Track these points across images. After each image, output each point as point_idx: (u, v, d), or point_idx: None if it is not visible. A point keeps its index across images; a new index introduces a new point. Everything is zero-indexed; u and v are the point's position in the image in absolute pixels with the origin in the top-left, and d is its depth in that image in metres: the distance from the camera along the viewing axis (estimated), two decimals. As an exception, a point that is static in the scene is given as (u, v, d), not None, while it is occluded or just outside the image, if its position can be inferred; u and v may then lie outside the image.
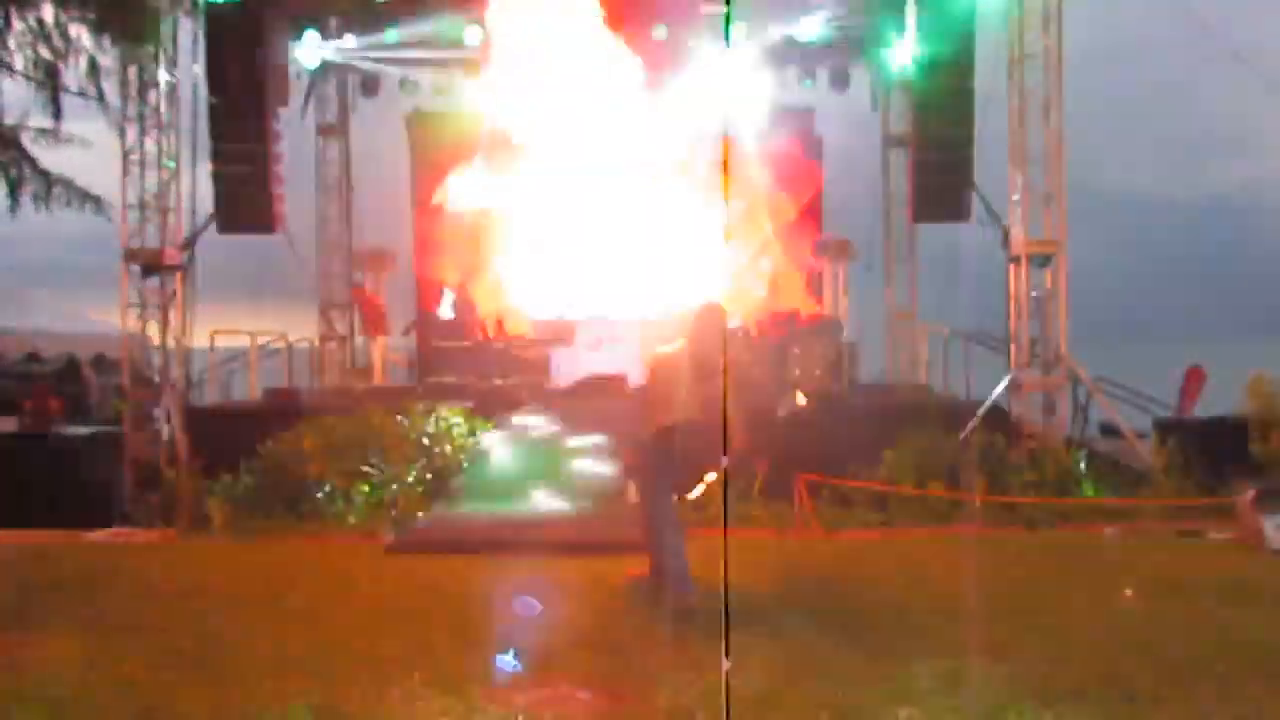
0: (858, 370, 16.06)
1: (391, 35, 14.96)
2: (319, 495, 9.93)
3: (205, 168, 12.63)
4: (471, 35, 14.84)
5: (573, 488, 9.93)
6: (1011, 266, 12.21)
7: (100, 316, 15.10)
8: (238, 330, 14.16)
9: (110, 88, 8.26)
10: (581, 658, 5.68)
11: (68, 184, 8.00)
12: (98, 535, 9.88)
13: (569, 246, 17.49)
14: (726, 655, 3.39)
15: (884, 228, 16.78)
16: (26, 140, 7.82)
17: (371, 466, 10.13)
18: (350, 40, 15.34)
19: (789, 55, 15.86)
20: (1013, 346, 12.18)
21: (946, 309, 14.59)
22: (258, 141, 12.80)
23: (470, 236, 17.75)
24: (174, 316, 12.33)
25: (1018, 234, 12.07)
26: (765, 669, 5.48)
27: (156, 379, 12.16)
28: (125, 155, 12.03)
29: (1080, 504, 9.96)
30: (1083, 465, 10.74)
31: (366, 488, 9.94)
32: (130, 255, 12.17)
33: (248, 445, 10.55)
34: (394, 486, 9.97)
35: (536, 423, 11.89)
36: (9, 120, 7.77)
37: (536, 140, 17.25)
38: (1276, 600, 6.89)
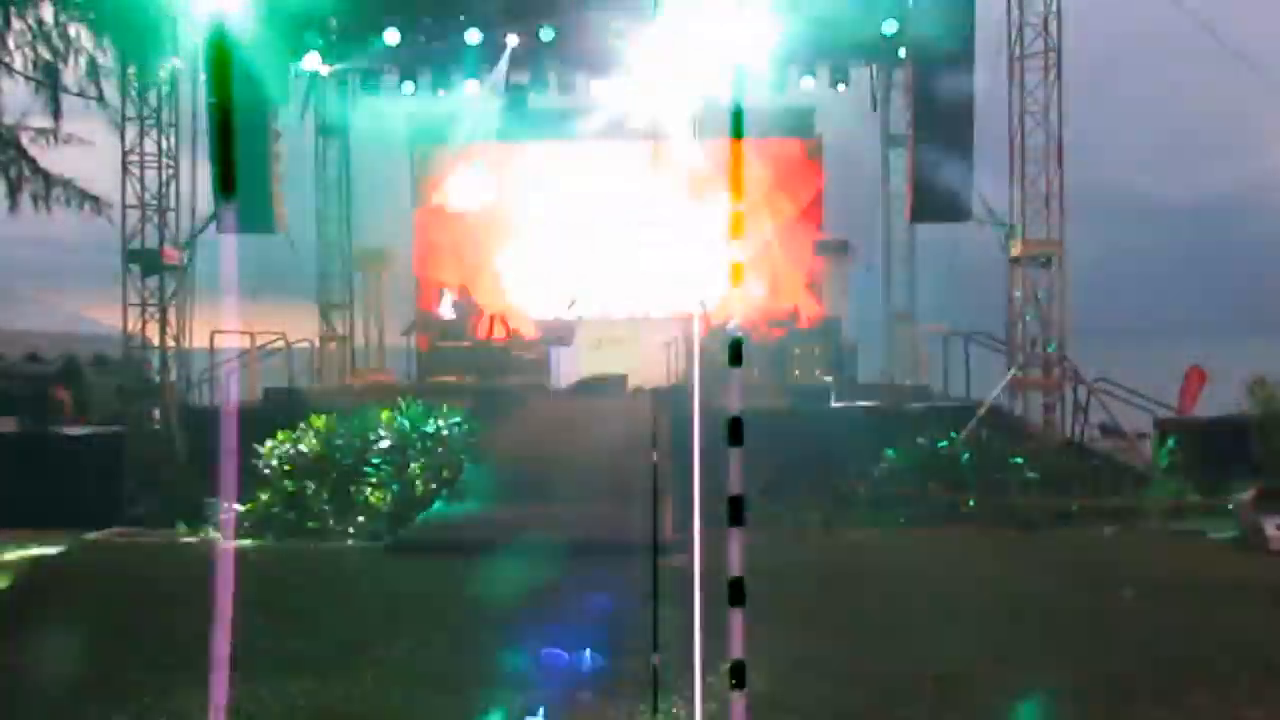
0: (857, 370, 16.04)
1: (391, 36, 14.92)
2: (319, 495, 9.91)
3: (205, 168, 12.63)
4: (472, 35, 14.82)
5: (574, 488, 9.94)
6: (1011, 266, 12.20)
7: (100, 316, 15.09)
8: (238, 330, 14.14)
9: (110, 88, 8.25)
10: (581, 657, 5.68)
11: (67, 184, 8.00)
12: (98, 535, 9.88)
13: (570, 248, 17.54)
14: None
15: (884, 228, 16.77)
16: (26, 140, 7.82)
17: (371, 466, 10.12)
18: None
19: (789, 54, 15.84)
20: (1012, 346, 12.17)
21: (946, 309, 14.57)
22: (258, 141, 12.78)
23: (470, 236, 17.80)
24: (174, 316, 12.32)
25: (1018, 234, 12.07)
26: (767, 669, 5.48)
27: (156, 379, 12.15)
28: (125, 155, 12.03)
29: (1080, 504, 9.96)
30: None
31: (366, 488, 9.93)
32: (130, 255, 12.16)
33: (247, 445, 10.54)
34: (394, 486, 9.96)
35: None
36: (9, 120, 7.77)
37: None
38: (1276, 600, 6.89)
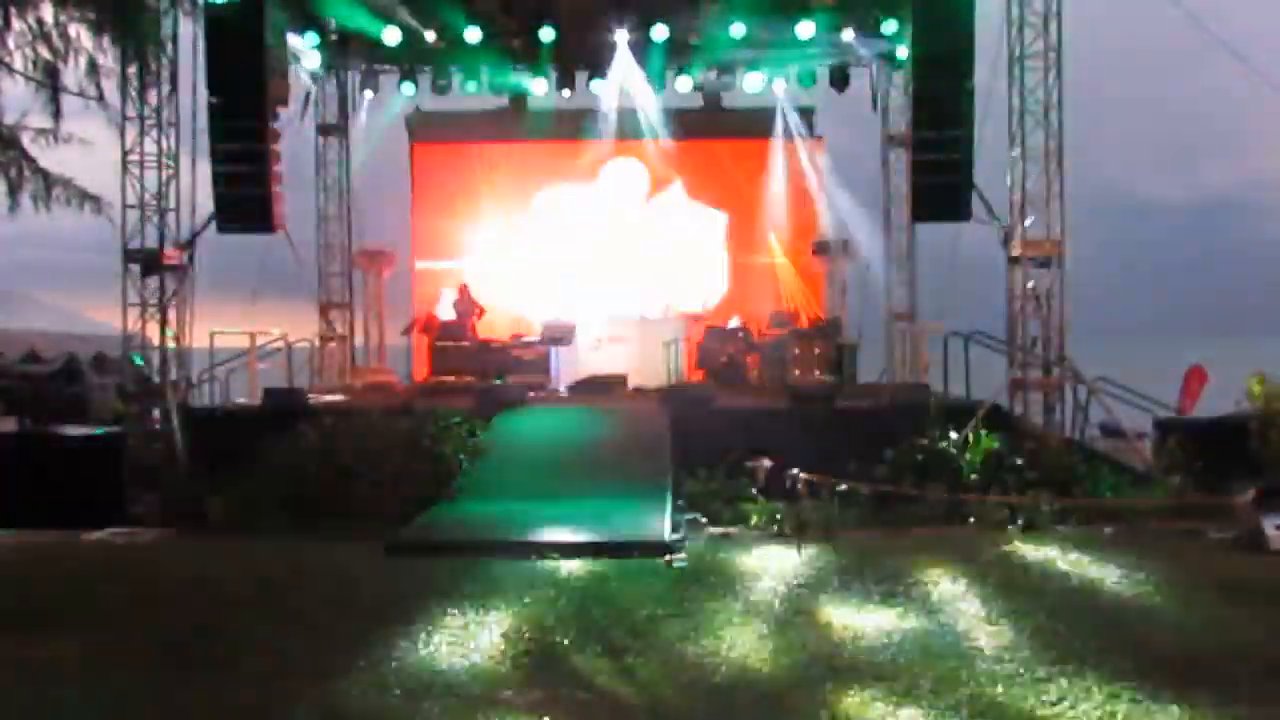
0: (858, 370, 16.04)
1: (391, 35, 14.93)
2: (319, 495, 9.91)
3: (205, 168, 12.62)
4: (472, 34, 14.83)
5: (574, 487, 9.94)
6: (1011, 266, 12.20)
7: (100, 316, 15.09)
8: (238, 330, 14.14)
9: (110, 88, 8.24)
10: (583, 657, 5.68)
11: (67, 184, 7.99)
12: (98, 535, 9.88)
13: (570, 248, 17.55)
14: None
15: (884, 228, 16.78)
16: (26, 140, 7.81)
17: (371, 466, 10.11)
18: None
19: (789, 55, 15.85)
20: (1012, 346, 12.17)
21: (946, 309, 14.56)
22: (258, 141, 12.78)
23: (470, 236, 17.82)
24: (174, 316, 12.32)
25: (1017, 234, 12.07)
26: (767, 669, 5.49)
27: (156, 379, 12.14)
28: (125, 155, 12.02)
29: (1080, 504, 9.96)
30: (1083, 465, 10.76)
31: (366, 488, 9.92)
32: (130, 255, 12.15)
33: (247, 445, 10.54)
34: (394, 486, 9.96)
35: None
36: (9, 120, 7.76)
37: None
38: (1276, 600, 6.89)
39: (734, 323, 16.38)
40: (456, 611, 6.59)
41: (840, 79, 16.04)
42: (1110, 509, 9.87)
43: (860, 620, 6.43)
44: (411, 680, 5.37)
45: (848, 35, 14.99)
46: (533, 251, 17.67)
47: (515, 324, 16.78)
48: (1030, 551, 8.57)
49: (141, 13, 8.17)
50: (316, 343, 16.47)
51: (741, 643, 5.96)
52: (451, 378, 15.28)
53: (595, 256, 17.46)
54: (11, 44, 7.50)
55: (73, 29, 7.65)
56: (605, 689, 5.24)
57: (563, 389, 15.18)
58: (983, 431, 10.87)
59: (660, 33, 14.80)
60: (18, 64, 7.53)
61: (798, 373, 14.63)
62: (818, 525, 9.30)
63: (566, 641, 5.97)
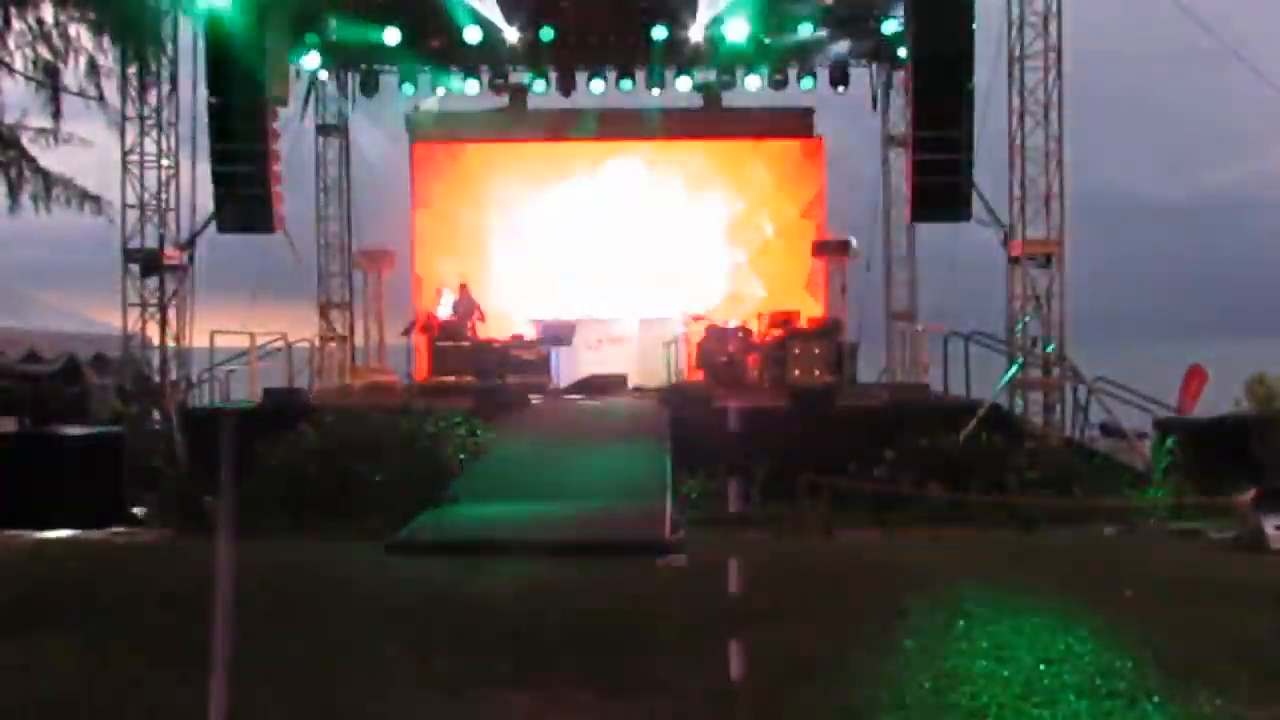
0: (858, 370, 16.05)
1: (391, 35, 14.94)
2: (318, 495, 9.91)
3: (205, 168, 12.63)
4: (472, 33, 14.84)
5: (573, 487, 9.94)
6: (1011, 266, 12.20)
7: (100, 316, 15.08)
8: (238, 330, 14.14)
9: (110, 88, 8.24)
10: (582, 658, 5.68)
11: (67, 184, 7.99)
12: (98, 535, 9.88)
13: (570, 248, 17.55)
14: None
15: (884, 228, 16.79)
16: (26, 140, 7.81)
17: (371, 466, 10.12)
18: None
19: (789, 55, 15.87)
20: (1012, 346, 12.18)
21: (946, 309, 14.59)
22: (258, 141, 12.79)
23: (470, 236, 17.81)
24: (174, 316, 12.32)
25: (1018, 234, 12.07)
26: (767, 669, 5.49)
27: (156, 379, 12.15)
28: (125, 155, 12.03)
29: (1080, 504, 9.97)
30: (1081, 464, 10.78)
31: (366, 488, 9.93)
32: (130, 255, 12.16)
33: (247, 445, 10.54)
34: (394, 486, 9.96)
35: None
36: (9, 120, 7.76)
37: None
38: (1276, 600, 6.89)
39: (734, 323, 16.38)
40: (456, 611, 6.59)
41: (840, 79, 16.05)
42: (1110, 509, 9.88)
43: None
44: (411, 680, 5.36)
45: (848, 35, 15.02)
46: (533, 251, 17.66)
47: (515, 324, 16.77)
48: (1029, 551, 8.58)
49: (141, 13, 8.17)
50: (316, 343, 16.47)
51: (740, 642, 5.96)
52: (451, 378, 15.27)
53: (595, 256, 17.44)
54: (11, 44, 7.50)
55: (73, 29, 7.65)
56: (605, 689, 5.24)
57: (563, 389, 15.18)
58: (983, 431, 10.88)
59: (660, 33, 14.82)
60: (18, 64, 7.53)
61: (798, 373, 14.64)
62: (818, 525, 9.32)
63: (567, 641, 5.96)
